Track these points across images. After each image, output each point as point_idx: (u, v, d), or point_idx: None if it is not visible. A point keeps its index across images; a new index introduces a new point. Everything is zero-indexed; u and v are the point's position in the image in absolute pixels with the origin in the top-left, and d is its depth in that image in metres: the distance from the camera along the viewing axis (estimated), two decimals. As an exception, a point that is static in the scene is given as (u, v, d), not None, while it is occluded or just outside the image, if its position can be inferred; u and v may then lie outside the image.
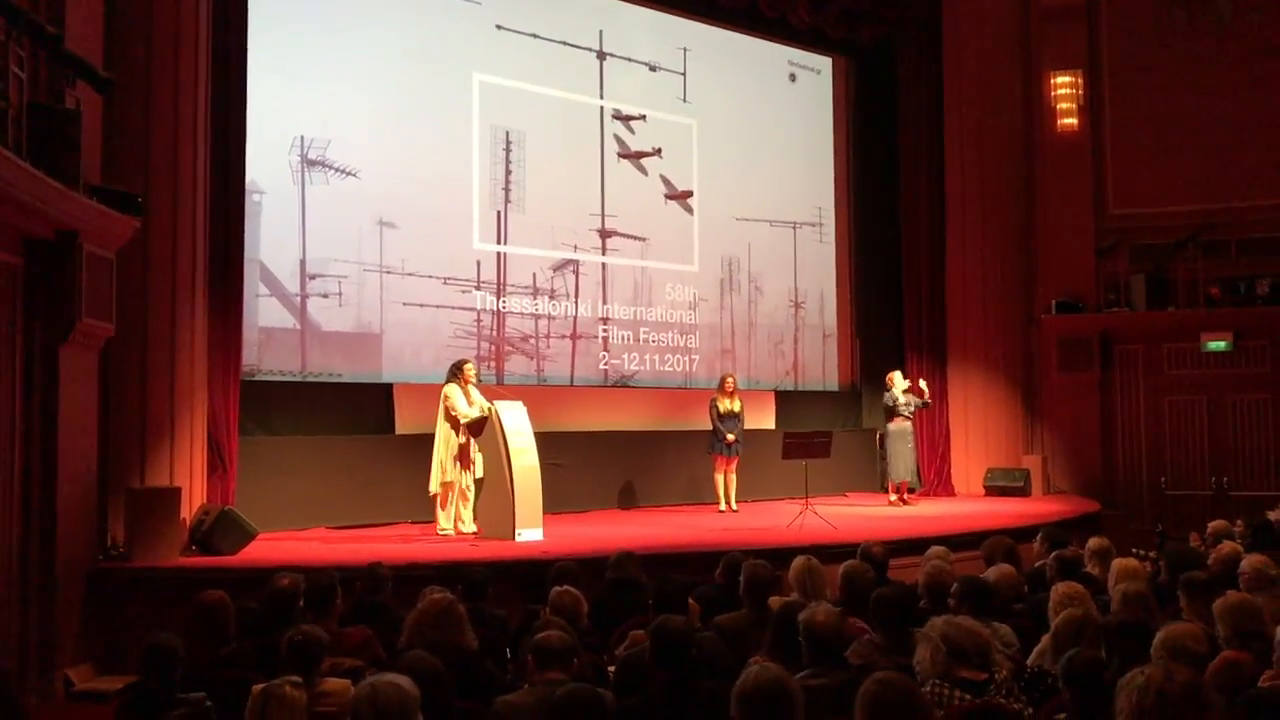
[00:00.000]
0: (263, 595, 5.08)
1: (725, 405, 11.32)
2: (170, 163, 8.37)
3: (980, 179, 13.83)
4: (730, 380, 11.50)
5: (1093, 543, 6.42)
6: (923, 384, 12.42)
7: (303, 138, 10.16)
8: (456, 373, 9.40)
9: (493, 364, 11.24)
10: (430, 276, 10.91)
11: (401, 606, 5.15)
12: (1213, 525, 7.63)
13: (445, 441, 9.24)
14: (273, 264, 10.02)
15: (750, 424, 11.72)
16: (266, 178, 9.94)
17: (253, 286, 9.76)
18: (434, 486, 9.24)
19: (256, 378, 9.78)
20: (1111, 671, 3.66)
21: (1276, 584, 5.12)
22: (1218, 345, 13.16)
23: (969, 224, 13.83)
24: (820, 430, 11.30)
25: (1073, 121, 13.32)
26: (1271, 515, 8.80)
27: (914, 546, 8.09)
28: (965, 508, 12.01)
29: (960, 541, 8.30)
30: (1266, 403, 13.12)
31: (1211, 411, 13.32)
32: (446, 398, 9.26)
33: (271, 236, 9.98)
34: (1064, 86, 13.47)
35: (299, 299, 10.15)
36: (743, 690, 3.07)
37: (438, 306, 10.96)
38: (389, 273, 10.61)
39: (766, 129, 13.92)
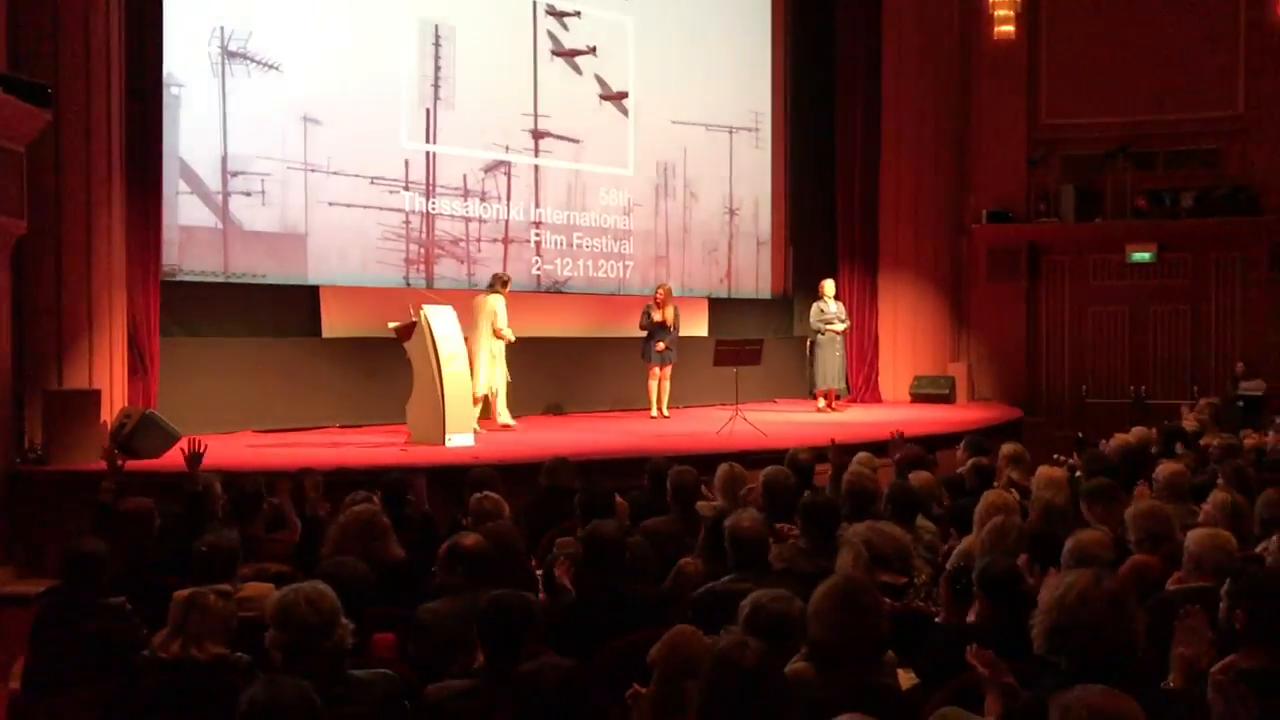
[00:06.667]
0: (182, 500, 5.02)
1: (659, 314, 11.29)
2: (82, 51, 8.03)
3: (916, 85, 13.77)
4: (664, 289, 11.46)
5: (1006, 448, 6.54)
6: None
7: (223, 29, 9.76)
8: (505, 284, 9.94)
9: (422, 267, 11.06)
10: (357, 176, 10.62)
11: (331, 512, 5.13)
12: (1135, 430, 7.81)
13: (489, 349, 9.75)
14: (193, 160, 9.69)
15: (683, 331, 11.71)
16: (185, 70, 9.55)
17: (172, 183, 9.45)
18: (481, 389, 9.69)
19: (178, 278, 9.53)
20: (1029, 578, 3.77)
21: (1187, 497, 5.28)
22: (1141, 257, 13.40)
23: (904, 131, 13.80)
24: (751, 338, 11.35)
25: (1009, 29, 13.21)
26: (1185, 422, 9.07)
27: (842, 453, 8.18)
28: (892, 414, 12.20)
29: (885, 448, 8.40)
30: (1185, 314, 13.45)
31: (1133, 322, 13.63)
32: (494, 312, 9.70)
33: (191, 131, 9.63)
34: (1002, -7, 13.34)
35: (220, 197, 9.85)
36: (754, 607, 3.11)
37: (365, 207, 10.70)
38: (314, 171, 10.31)
39: (704, 29, 13.63)
